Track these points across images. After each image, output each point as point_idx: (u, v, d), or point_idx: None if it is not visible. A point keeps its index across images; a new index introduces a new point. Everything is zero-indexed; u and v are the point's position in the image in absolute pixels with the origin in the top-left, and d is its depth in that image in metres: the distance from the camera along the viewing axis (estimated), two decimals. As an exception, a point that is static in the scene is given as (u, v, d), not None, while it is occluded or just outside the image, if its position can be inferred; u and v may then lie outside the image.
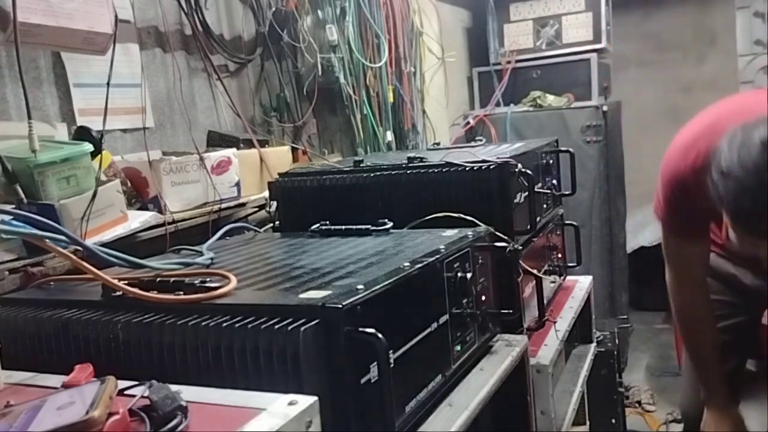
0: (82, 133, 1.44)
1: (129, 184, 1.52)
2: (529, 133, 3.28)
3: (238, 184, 1.67)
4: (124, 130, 1.74)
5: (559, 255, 1.77)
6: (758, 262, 1.62)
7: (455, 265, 1.04)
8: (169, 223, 1.43)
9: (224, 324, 0.77)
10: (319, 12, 2.30)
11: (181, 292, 0.85)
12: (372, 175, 1.45)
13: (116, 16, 1.42)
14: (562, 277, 1.78)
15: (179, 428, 0.62)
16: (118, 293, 0.87)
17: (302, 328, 0.72)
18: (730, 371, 1.74)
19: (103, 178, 1.37)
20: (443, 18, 3.13)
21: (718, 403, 1.64)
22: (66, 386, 0.71)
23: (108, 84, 1.39)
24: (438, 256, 0.99)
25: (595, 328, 1.92)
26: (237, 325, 0.76)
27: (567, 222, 1.84)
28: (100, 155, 1.39)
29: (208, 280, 0.86)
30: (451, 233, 1.16)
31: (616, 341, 2.13)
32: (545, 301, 1.49)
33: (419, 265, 0.94)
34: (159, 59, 1.88)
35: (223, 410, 0.66)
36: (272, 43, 2.29)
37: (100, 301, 0.90)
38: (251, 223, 1.67)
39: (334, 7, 2.31)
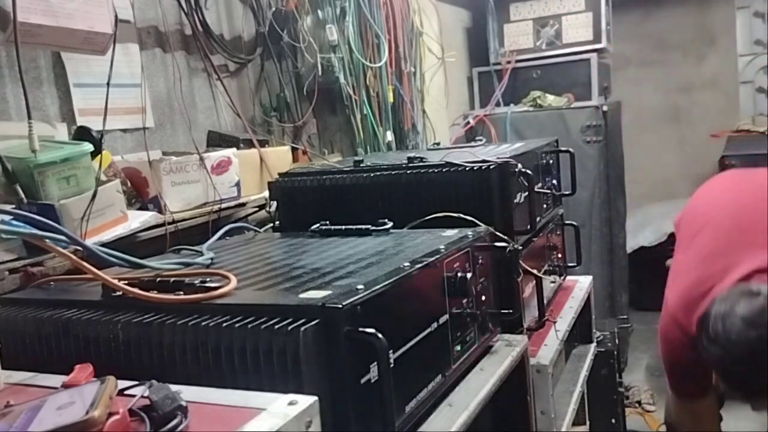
0: (82, 133, 1.44)
1: (129, 184, 1.52)
2: (529, 133, 3.28)
3: (238, 184, 1.67)
4: (124, 130, 1.74)
5: (559, 255, 1.77)
6: None
7: (455, 265, 1.04)
8: (169, 223, 1.43)
9: (224, 324, 0.76)
10: (319, 12, 2.30)
11: (181, 292, 0.85)
12: (372, 175, 1.45)
13: (116, 16, 1.42)
14: (562, 277, 1.78)
15: (179, 428, 0.62)
16: (118, 293, 0.87)
17: (302, 328, 0.72)
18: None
19: (103, 178, 1.37)
20: (443, 18, 3.13)
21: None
22: (66, 386, 0.71)
23: (108, 84, 1.39)
24: (438, 256, 0.99)
25: (595, 328, 1.92)
26: (237, 325, 0.76)
27: (567, 222, 1.84)
28: (100, 155, 1.39)
29: (208, 280, 0.86)
30: (451, 233, 1.16)
31: (616, 341, 2.13)
32: (545, 301, 1.49)
33: (419, 265, 0.94)
34: (159, 59, 1.88)
35: (223, 410, 0.66)
36: (272, 43, 2.29)
37: (100, 301, 0.90)
38: (251, 223, 1.67)
39: (334, 7, 2.31)
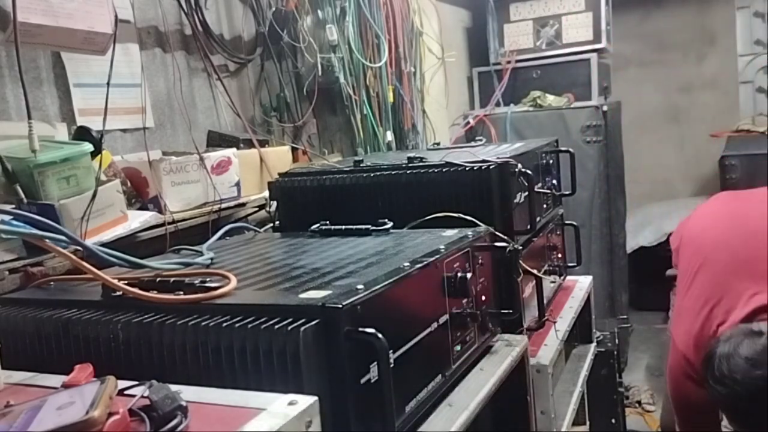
0: (82, 133, 1.44)
1: (129, 184, 1.52)
2: (529, 133, 3.28)
3: (238, 184, 1.67)
4: (124, 130, 1.74)
5: (559, 255, 1.77)
6: None
7: (455, 265, 1.04)
8: (169, 223, 1.43)
9: (224, 324, 0.76)
10: (319, 12, 2.30)
11: (181, 292, 0.85)
12: (372, 175, 1.45)
13: (116, 16, 1.42)
14: (562, 277, 1.78)
15: (179, 428, 0.62)
16: (118, 293, 0.87)
17: (302, 328, 0.72)
18: None
19: (103, 178, 1.37)
20: (443, 18, 3.13)
21: None
22: (66, 386, 0.70)
23: (108, 84, 1.39)
24: (438, 256, 0.99)
25: (595, 328, 1.92)
26: (237, 325, 0.76)
27: (567, 222, 1.84)
28: (100, 155, 1.39)
29: (208, 280, 0.86)
30: (451, 233, 1.16)
31: (616, 341, 2.13)
32: (545, 301, 1.49)
33: (419, 265, 0.94)
34: (159, 59, 1.88)
35: (223, 410, 0.66)
36: (272, 43, 2.29)
37: (100, 301, 0.90)
38: (251, 223, 1.67)
39: (334, 7, 2.31)
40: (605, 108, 3.25)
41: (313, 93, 2.33)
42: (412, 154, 1.50)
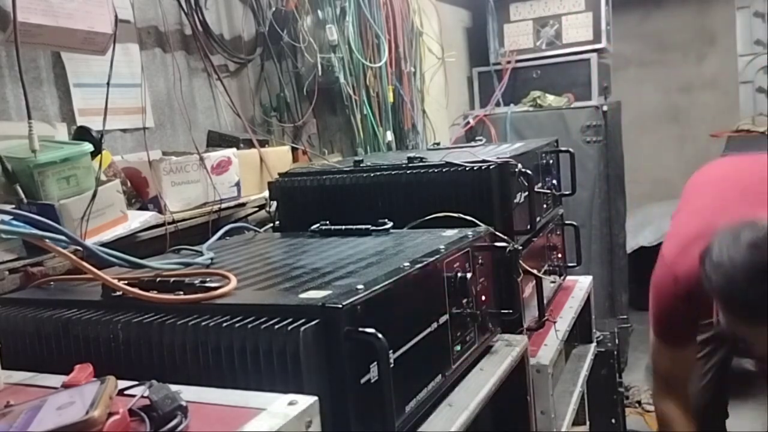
0: (82, 133, 1.44)
1: (129, 184, 1.52)
2: (529, 133, 3.28)
3: (238, 184, 1.67)
4: (124, 130, 1.74)
5: (559, 255, 1.77)
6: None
7: (455, 265, 1.04)
8: (169, 223, 1.43)
9: (224, 324, 0.76)
10: (319, 12, 2.30)
11: (181, 292, 0.85)
12: (372, 175, 1.45)
13: (116, 16, 1.42)
14: (562, 277, 1.78)
15: (179, 428, 0.62)
16: (118, 293, 0.87)
17: (302, 328, 0.72)
18: (713, 366, 1.76)
19: (103, 178, 1.37)
20: (443, 18, 3.13)
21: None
22: (66, 386, 0.70)
23: (108, 84, 1.39)
24: (438, 256, 0.99)
25: (595, 328, 1.92)
26: (237, 325, 0.76)
27: (567, 222, 1.84)
28: (100, 155, 1.39)
29: (208, 280, 0.86)
30: (451, 233, 1.16)
31: (616, 341, 2.13)
32: (545, 301, 1.49)
33: (419, 265, 0.94)
34: (159, 59, 1.88)
35: (223, 410, 0.66)
36: (272, 43, 2.29)
37: (100, 301, 0.90)
38: (251, 223, 1.67)
39: (334, 7, 2.31)
40: (605, 108, 3.25)
41: (313, 93, 2.33)
42: (412, 154, 1.50)
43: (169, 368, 0.79)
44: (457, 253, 1.05)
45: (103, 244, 1.15)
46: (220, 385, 0.72)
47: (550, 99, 3.36)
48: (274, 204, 1.58)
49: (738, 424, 2.11)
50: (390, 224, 1.25)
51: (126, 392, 0.67)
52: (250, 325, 0.75)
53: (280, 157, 1.96)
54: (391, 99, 2.53)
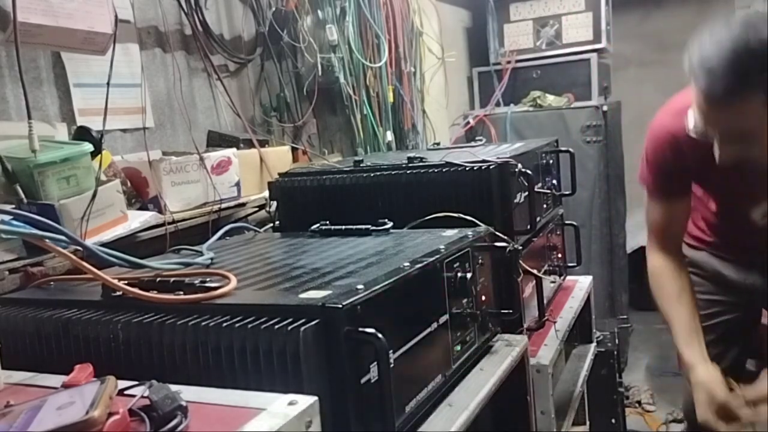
0: (82, 133, 1.44)
1: (129, 184, 1.52)
2: (529, 133, 3.28)
3: (238, 184, 1.67)
4: (124, 130, 1.74)
5: (559, 255, 1.77)
6: (743, 253, 1.65)
7: (455, 265, 1.04)
8: (169, 223, 1.43)
9: (224, 324, 0.76)
10: (319, 12, 2.30)
11: (181, 292, 0.85)
12: (372, 175, 1.45)
13: (116, 16, 1.42)
14: (562, 277, 1.78)
15: (179, 428, 0.62)
16: (118, 293, 0.87)
17: (302, 328, 0.72)
18: (727, 368, 1.76)
19: (103, 178, 1.37)
20: (443, 18, 3.13)
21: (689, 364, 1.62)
22: (66, 386, 0.70)
23: (108, 84, 1.39)
24: (438, 256, 0.99)
25: (595, 328, 1.92)
26: (237, 325, 0.76)
27: (567, 222, 1.84)
28: (100, 155, 1.39)
29: (208, 280, 0.86)
30: (451, 233, 1.16)
31: (616, 341, 2.13)
32: (545, 301, 1.49)
33: (419, 265, 0.94)
34: (159, 59, 1.88)
35: (223, 410, 0.66)
36: (272, 43, 2.29)
37: (100, 301, 0.90)
38: (251, 223, 1.67)
39: (334, 7, 2.31)
40: (605, 108, 3.25)
41: (313, 93, 2.33)
42: (412, 154, 1.50)
43: (169, 368, 0.79)
44: (457, 253, 1.05)
45: (103, 244, 1.15)
46: (220, 385, 0.72)
47: (550, 99, 3.36)
48: (274, 204, 1.58)
49: (738, 425, 2.11)
50: (390, 224, 1.25)
51: (126, 392, 0.67)
52: (250, 325, 0.75)
53: (280, 157, 1.96)
54: (391, 99, 2.54)
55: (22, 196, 1.20)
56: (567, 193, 1.81)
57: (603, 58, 3.44)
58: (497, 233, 1.24)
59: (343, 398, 0.74)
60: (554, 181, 1.73)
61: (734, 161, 1.33)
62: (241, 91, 2.23)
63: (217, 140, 1.92)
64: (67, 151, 1.26)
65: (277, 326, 0.73)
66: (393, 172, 1.43)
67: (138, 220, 1.38)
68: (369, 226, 1.25)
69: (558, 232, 1.78)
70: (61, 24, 1.30)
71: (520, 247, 1.29)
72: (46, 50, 1.53)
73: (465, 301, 1.06)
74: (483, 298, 1.14)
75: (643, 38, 4.51)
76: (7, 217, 0.93)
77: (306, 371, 0.72)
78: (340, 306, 0.74)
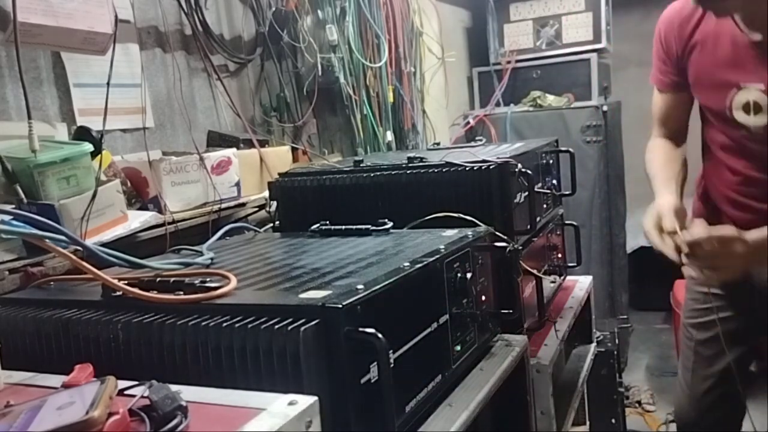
0: (82, 133, 1.45)
1: (129, 184, 1.52)
2: (529, 133, 3.28)
3: (238, 184, 1.67)
4: (124, 130, 1.74)
5: (559, 255, 1.77)
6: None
7: (455, 265, 1.04)
8: (169, 223, 1.43)
9: (224, 324, 0.76)
10: (319, 12, 2.30)
11: (181, 292, 0.85)
12: (372, 175, 1.45)
13: (116, 16, 1.42)
14: (562, 277, 1.78)
15: (179, 428, 0.62)
16: (118, 293, 0.87)
17: (302, 328, 0.72)
18: (723, 371, 1.74)
19: (103, 178, 1.37)
20: (443, 18, 3.13)
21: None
22: (66, 386, 0.70)
23: (108, 84, 1.39)
24: (438, 256, 0.99)
25: (595, 328, 1.92)
26: (237, 325, 0.76)
27: (567, 222, 1.84)
28: (100, 155, 1.39)
29: (208, 280, 0.86)
30: (451, 233, 1.16)
31: (616, 341, 2.14)
32: (545, 301, 1.49)
33: (419, 265, 0.94)
34: (159, 59, 1.88)
35: (223, 410, 0.66)
36: (272, 43, 2.29)
37: (100, 301, 0.90)
38: (251, 223, 1.67)
39: (334, 7, 2.31)
40: (605, 108, 3.26)
41: (313, 93, 2.33)
42: (412, 154, 1.50)
43: (169, 368, 0.79)
44: (457, 253, 1.05)
45: (103, 244, 1.15)
46: (220, 385, 0.72)
47: (550, 99, 3.36)
48: (274, 204, 1.58)
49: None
50: (390, 224, 1.25)
51: (126, 392, 0.67)
52: (250, 325, 0.75)
53: (280, 157, 1.96)
54: (391, 99, 2.54)
55: (22, 196, 1.20)
56: (567, 193, 1.81)
57: (603, 58, 3.44)
58: (497, 233, 1.24)
59: (343, 398, 0.74)
60: (554, 181, 1.73)
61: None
62: (241, 91, 2.23)
63: (217, 140, 1.92)
64: (67, 151, 1.26)
65: (277, 326, 0.73)
66: (393, 172, 1.43)
67: (138, 220, 1.38)
68: (369, 226, 1.24)
69: (558, 232, 1.78)
70: (61, 24, 1.30)
71: (520, 247, 1.29)
72: (46, 50, 1.53)
73: (465, 301, 1.06)
74: (483, 298, 1.14)
75: (643, 38, 4.48)
76: (7, 217, 0.93)
77: (306, 371, 0.72)
78: (340, 306, 0.74)
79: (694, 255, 1.38)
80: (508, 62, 3.47)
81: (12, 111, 1.45)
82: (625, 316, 3.61)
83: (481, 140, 1.96)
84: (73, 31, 1.34)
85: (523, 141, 1.96)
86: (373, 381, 0.77)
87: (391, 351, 0.78)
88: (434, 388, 0.95)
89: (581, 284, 1.85)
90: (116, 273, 0.99)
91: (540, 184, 1.59)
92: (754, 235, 1.36)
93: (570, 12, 3.38)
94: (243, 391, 0.70)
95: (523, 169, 1.35)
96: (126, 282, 0.87)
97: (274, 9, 2.29)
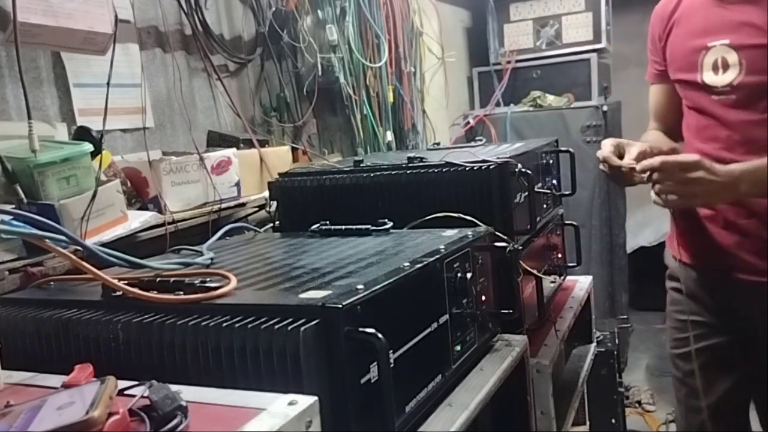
0: (82, 133, 1.45)
1: (129, 184, 1.52)
2: (529, 133, 3.29)
3: (238, 184, 1.67)
4: (124, 130, 1.74)
5: (559, 255, 1.77)
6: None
7: (455, 265, 1.04)
8: (169, 223, 1.43)
9: (224, 324, 0.76)
10: (319, 12, 2.30)
11: (181, 292, 0.85)
12: (372, 175, 1.45)
13: (116, 16, 1.42)
14: (562, 277, 1.78)
15: (179, 428, 0.62)
16: (118, 293, 0.87)
17: (302, 328, 0.72)
18: (716, 404, 1.64)
19: (103, 178, 1.37)
20: (443, 18, 3.13)
21: None
22: (66, 386, 0.70)
23: (108, 84, 1.39)
24: (438, 256, 0.99)
25: (595, 328, 1.92)
26: (237, 325, 0.76)
27: (567, 222, 1.84)
28: (100, 155, 1.39)
29: (208, 280, 0.86)
30: (451, 233, 1.16)
31: (616, 341, 2.14)
32: (545, 301, 1.49)
33: (419, 265, 0.94)
34: (159, 59, 1.88)
35: (223, 410, 0.66)
36: (272, 43, 2.29)
37: (100, 301, 0.90)
38: (251, 223, 1.67)
39: (334, 7, 2.31)
40: (605, 108, 3.26)
41: (313, 93, 2.33)
42: (412, 154, 1.50)
43: (169, 368, 0.79)
44: (457, 253, 1.05)
45: (103, 244, 1.15)
46: (220, 385, 0.72)
47: (550, 99, 3.37)
48: (274, 204, 1.58)
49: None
50: (390, 224, 1.25)
51: (126, 392, 0.67)
52: (250, 325, 0.75)
53: (280, 157, 1.96)
54: (391, 99, 2.54)
55: (22, 196, 1.20)
56: (567, 193, 1.81)
57: (603, 58, 3.45)
58: (497, 233, 1.24)
59: (343, 398, 0.74)
60: (554, 181, 1.73)
61: None
62: (241, 91, 2.23)
63: (217, 140, 1.92)
64: (67, 151, 1.26)
65: (277, 326, 0.73)
66: (393, 172, 1.43)
67: (138, 220, 1.38)
68: (369, 226, 1.24)
69: (558, 232, 1.78)
70: (61, 24, 1.30)
71: (520, 247, 1.29)
72: (46, 50, 1.53)
73: (465, 301, 1.06)
74: (483, 298, 1.14)
75: (643, 38, 4.47)
76: (7, 217, 0.93)
77: (306, 371, 0.72)
78: (340, 306, 0.74)
79: (657, 180, 1.37)
80: (508, 62, 3.47)
81: (12, 111, 1.45)
82: (625, 316, 3.62)
83: (481, 140, 1.96)
84: (73, 31, 1.34)
85: (523, 141, 1.96)
86: (373, 381, 0.77)
87: (391, 351, 0.78)
88: (434, 388, 0.95)
89: (581, 284, 1.85)
90: (116, 273, 0.99)
91: (540, 184, 1.59)
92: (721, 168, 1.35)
93: (570, 12, 3.38)
94: (243, 391, 0.70)
95: (523, 169, 1.35)
96: (126, 282, 0.87)
97: (274, 9, 2.29)
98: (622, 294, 3.59)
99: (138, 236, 1.36)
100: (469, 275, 1.05)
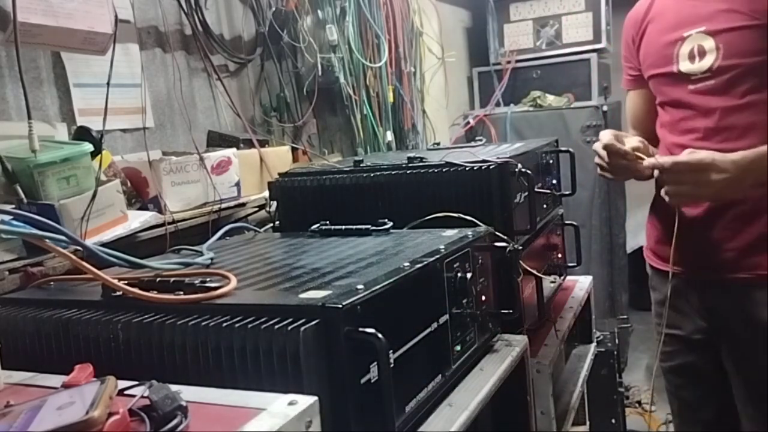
0: (82, 133, 1.45)
1: (129, 184, 1.52)
2: (529, 133, 3.29)
3: (238, 184, 1.67)
4: (124, 130, 1.74)
5: (559, 255, 1.77)
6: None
7: (455, 265, 1.04)
8: (169, 223, 1.43)
9: (224, 324, 0.76)
10: (319, 12, 2.30)
11: (181, 292, 0.85)
12: (372, 175, 1.45)
13: (116, 16, 1.42)
14: (562, 277, 1.78)
15: (179, 428, 0.62)
16: (118, 293, 0.87)
17: (302, 328, 0.72)
18: (714, 417, 1.62)
19: (103, 178, 1.37)
20: (443, 18, 3.13)
21: None
22: (66, 386, 0.70)
23: (108, 84, 1.39)
24: (438, 256, 0.99)
25: (595, 328, 1.92)
26: (237, 325, 0.76)
27: (567, 222, 1.84)
28: (100, 155, 1.39)
29: (208, 280, 0.86)
30: (451, 233, 1.16)
31: (616, 341, 2.14)
32: (545, 301, 1.49)
33: (419, 265, 0.94)
34: (159, 59, 1.88)
35: (223, 410, 0.66)
36: (272, 43, 2.29)
37: (100, 301, 0.90)
38: (251, 223, 1.67)
39: (334, 7, 2.31)
40: (605, 108, 3.26)
41: (313, 93, 2.33)
42: (412, 154, 1.50)
43: (169, 368, 0.79)
44: (457, 253, 1.05)
45: (103, 244, 1.15)
46: (220, 385, 0.72)
47: (550, 99, 3.37)
48: (274, 204, 1.58)
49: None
50: (390, 224, 1.25)
51: (126, 392, 0.67)
52: (250, 325, 0.75)
53: (280, 157, 1.96)
54: (391, 99, 2.54)
55: (22, 196, 1.20)
56: (567, 193, 1.81)
57: (603, 58, 3.45)
58: (497, 233, 1.24)
59: (343, 398, 0.74)
60: (554, 181, 1.73)
61: None
62: (241, 91, 2.23)
63: (217, 140, 1.92)
64: (67, 151, 1.26)
65: (277, 326, 0.73)
66: (393, 172, 1.43)
67: (138, 220, 1.38)
68: (369, 226, 1.24)
69: (558, 232, 1.78)
70: (61, 24, 1.30)
71: (520, 247, 1.29)
72: (46, 50, 1.53)
73: (465, 301, 1.06)
74: (483, 298, 1.14)
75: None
76: (7, 217, 0.93)
77: (306, 371, 0.72)
78: (340, 306, 0.74)
79: (667, 181, 1.38)
80: (508, 62, 3.47)
81: (12, 111, 1.45)
82: (625, 316, 3.62)
83: (481, 140, 1.96)
84: (73, 31, 1.34)
85: (523, 141, 1.96)
86: (373, 381, 0.77)
87: (391, 351, 0.78)
88: (434, 388, 0.95)
89: (581, 284, 1.85)
90: (116, 273, 0.99)
91: (540, 184, 1.59)
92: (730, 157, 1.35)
93: (570, 12, 3.38)
94: (243, 391, 0.70)
95: (523, 169, 1.35)
96: (126, 282, 0.87)
97: (274, 9, 2.29)
98: (622, 294, 3.59)
99: (138, 236, 1.36)
100: (469, 275, 1.05)
